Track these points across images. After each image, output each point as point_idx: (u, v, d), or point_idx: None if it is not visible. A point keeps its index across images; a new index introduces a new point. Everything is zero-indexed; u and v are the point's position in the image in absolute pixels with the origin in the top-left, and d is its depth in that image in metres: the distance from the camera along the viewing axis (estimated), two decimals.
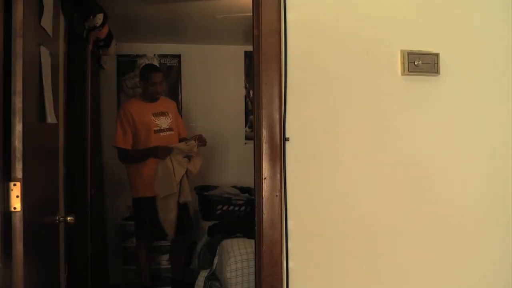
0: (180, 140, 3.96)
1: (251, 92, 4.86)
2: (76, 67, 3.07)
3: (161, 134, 3.87)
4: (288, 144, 1.76)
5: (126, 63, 4.89)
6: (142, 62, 4.89)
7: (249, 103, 5.05)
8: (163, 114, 3.93)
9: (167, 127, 3.90)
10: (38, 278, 1.71)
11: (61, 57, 2.56)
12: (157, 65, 4.74)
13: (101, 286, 4.09)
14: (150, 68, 4.09)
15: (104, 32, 3.77)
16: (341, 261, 1.81)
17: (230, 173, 4.89)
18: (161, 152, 3.73)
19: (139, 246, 4.00)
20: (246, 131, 5.07)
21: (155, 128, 3.83)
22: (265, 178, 1.75)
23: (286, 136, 1.76)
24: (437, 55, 1.85)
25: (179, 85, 4.95)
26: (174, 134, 3.93)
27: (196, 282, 3.43)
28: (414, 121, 1.86)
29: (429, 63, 1.84)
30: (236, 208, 4.33)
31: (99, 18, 3.36)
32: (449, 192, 1.89)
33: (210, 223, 3.86)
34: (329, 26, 1.82)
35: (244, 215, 4.26)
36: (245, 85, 5.09)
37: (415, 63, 1.82)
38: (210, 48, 4.93)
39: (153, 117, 3.86)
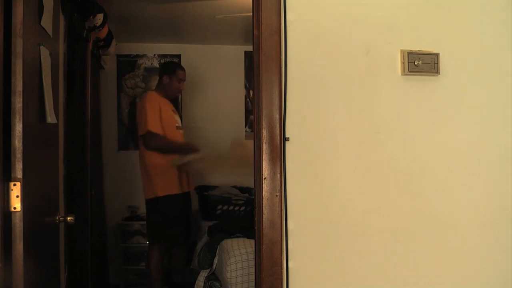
0: None
1: (251, 92, 4.86)
2: (76, 67, 3.07)
3: (180, 131, 3.86)
4: (288, 144, 1.76)
5: (126, 63, 4.89)
6: (142, 62, 4.90)
7: (249, 103, 5.05)
8: (176, 112, 3.91)
9: (181, 125, 3.91)
10: (38, 278, 1.71)
11: (61, 57, 2.56)
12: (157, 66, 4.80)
13: (101, 286, 4.09)
14: (178, 65, 4.05)
15: (104, 32, 3.78)
16: (341, 261, 1.81)
17: (230, 173, 4.89)
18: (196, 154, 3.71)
19: (153, 249, 3.79)
20: (246, 131, 5.07)
21: (176, 125, 3.80)
22: (265, 178, 1.75)
23: (286, 136, 1.76)
24: (437, 55, 1.85)
25: None
26: (182, 133, 3.94)
27: (196, 282, 3.43)
28: (414, 121, 1.86)
29: (429, 63, 1.84)
30: (236, 208, 4.33)
31: (99, 18, 3.37)
32: (449, 192, 1.88)
33: (210, 223, 3.86)
34: (329, 26, 1.82)
35: (244, 215, 4.26)
36: (245, 85, 5.09)
37: (415, 63, 1.82)
38: (210, 48, 4.94)
39: (173, 114, 3.82)
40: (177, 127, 3.80)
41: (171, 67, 3.94)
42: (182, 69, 3.92)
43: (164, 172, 3.66)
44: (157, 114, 3.60)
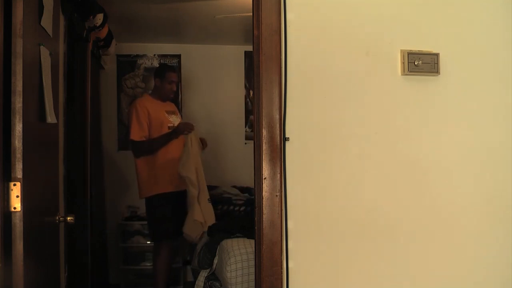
0: None
1: (251, 92, 4.86)
2: (76, 67, 3.07)
3: None
4: (288, 144, 1.76)
5: (126, 63, 4.89)
6: (142, 62, 4.90)
7: (249, 103, 5.05)
8: (173, 112, 3.97)
9: (175, 125, 3.91)
10: (38, 278, 1.71)
11: (61, 57, 2.56)
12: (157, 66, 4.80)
13: (101, 286, 4.09)
14: (168, 67, 4.12)
15: (104, 32, 3.78)
16: (341, 261, 1.81)
17: (230, 173, 4.89)
18: (184, 127, 3.72)
19: (160, 248, 3.84)
20: (246, 131, 5.07)
21: (169, 125, 3.83)
22: (265, 178, 1.75)
23: (286, 136, 1.76)
24: (437, 55, 1.85)
25: (179, 85, 4.95)
26: None
27: (196, 282, 3.43)
28: (414, 121, 1.86)
29: (429, 63, 1.84)
30: (236, 208, 4.32)
31: (99, 18, 3.37)
32: (449, 191, 1.88)
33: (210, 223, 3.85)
34: (329, 26, 1.82)
35: (244, 215, 4.25)
36: (245, 85, 5.09)
37: (415, 63, 1.82)
38: (210, 48, 4.94)
39: (166, 114, 3.86)
40: (171, 128, 3.83)
41: (161, 70, 4.03)
42: (172, 70, 4.00)
43: (156, 172, 3.73)
44: (143, 120, 3.70)
